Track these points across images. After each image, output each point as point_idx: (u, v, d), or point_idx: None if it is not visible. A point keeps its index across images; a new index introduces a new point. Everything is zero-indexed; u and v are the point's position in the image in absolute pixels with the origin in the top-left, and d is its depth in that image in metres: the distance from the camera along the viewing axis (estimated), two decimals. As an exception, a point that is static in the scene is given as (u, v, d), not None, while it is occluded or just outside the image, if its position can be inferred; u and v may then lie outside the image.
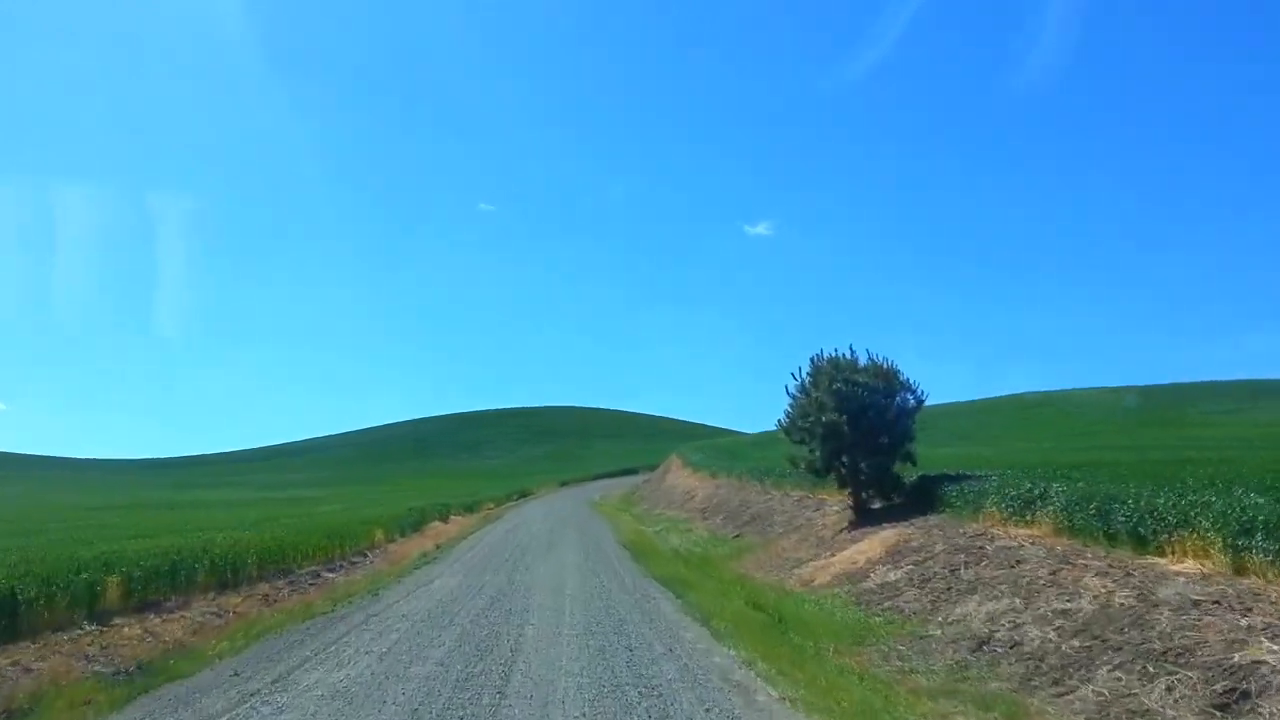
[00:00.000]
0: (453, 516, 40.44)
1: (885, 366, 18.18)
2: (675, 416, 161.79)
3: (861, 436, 17.72)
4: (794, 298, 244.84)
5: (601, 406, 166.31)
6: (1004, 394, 68.30)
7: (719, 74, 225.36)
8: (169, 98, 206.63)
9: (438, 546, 24.95)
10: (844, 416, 17.33)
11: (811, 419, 17.93)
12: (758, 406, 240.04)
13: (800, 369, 18.81)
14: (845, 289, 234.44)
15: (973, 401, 70.81)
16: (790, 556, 17.59)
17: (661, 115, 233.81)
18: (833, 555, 15.68)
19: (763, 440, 66.70)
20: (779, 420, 18.98)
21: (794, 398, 18.80)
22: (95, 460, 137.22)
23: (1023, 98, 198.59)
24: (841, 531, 17.67)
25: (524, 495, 66.91)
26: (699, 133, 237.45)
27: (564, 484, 79.71)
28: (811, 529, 19.41)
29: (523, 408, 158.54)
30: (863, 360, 18.41)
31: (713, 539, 24.50)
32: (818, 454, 17.98)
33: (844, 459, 18.16)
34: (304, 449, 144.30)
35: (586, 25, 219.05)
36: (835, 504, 20.68)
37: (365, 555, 22.24)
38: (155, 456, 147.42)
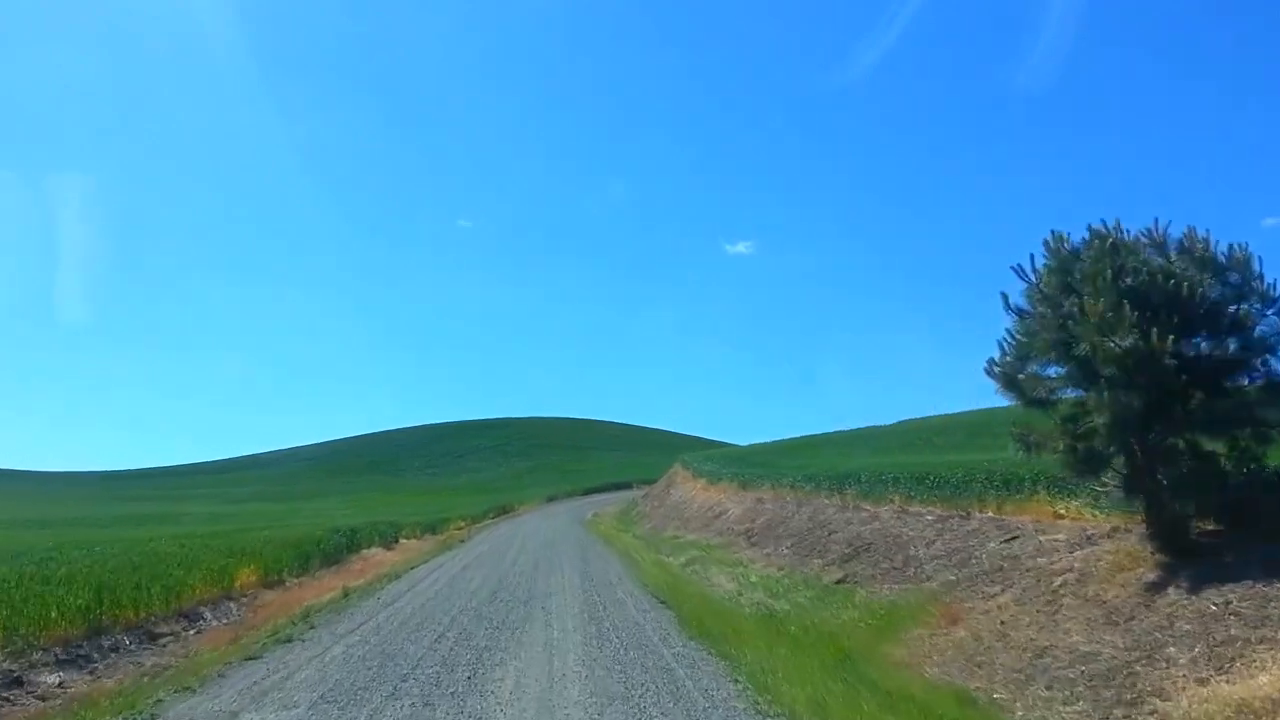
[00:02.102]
0: (404, 540, 30.66)
1: (1224, 253, 8.77)
2: (664, 428, 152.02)
3: (1188, 384, 8.30)
4: (775, 315, 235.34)
5: (589, 418, 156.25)
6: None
7: (696, 89, 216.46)
8: (153, 101, 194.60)
9: (346, 594, 15.25)
10: (1168, 340, 7.89)
11: (1082, 350, 8.47)
12: (746, 419, 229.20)
13: (1032, 258, 9.38)
14: (828, 305, 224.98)
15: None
16: (1057, 648, 8.03)
17: (642, 130, 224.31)
18: (1245, 671, 6.17)
19: (779, 449, 57.04)
20: (989, 361, 9.47)
21: (1020, 315, 9.35)
22: (34, 473, 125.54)
23: (1014, 108, 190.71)
24: (1158, 591, 8.17)
25: (504, 512, 57.08)
26: (678, 149, 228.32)
27: (551, 499, 69.92)
28: (1043, 579, 9.86)
29: (505, 418, 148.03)
30: (1170, 239, 9.00)
31: (796, 583, 14.91)
32: (1101, 420, 8.46)
33: (1136, 433, 8.68)
34: (266, 461, 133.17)
35: (565, 46, 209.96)
36: (1055, 527, 11.24)
37: (201, 616, 12.57)
38: (121, 469, 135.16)
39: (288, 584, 16.52)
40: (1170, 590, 8.08)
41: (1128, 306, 8.21)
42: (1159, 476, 8.89)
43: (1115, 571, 9.06)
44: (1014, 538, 11.78)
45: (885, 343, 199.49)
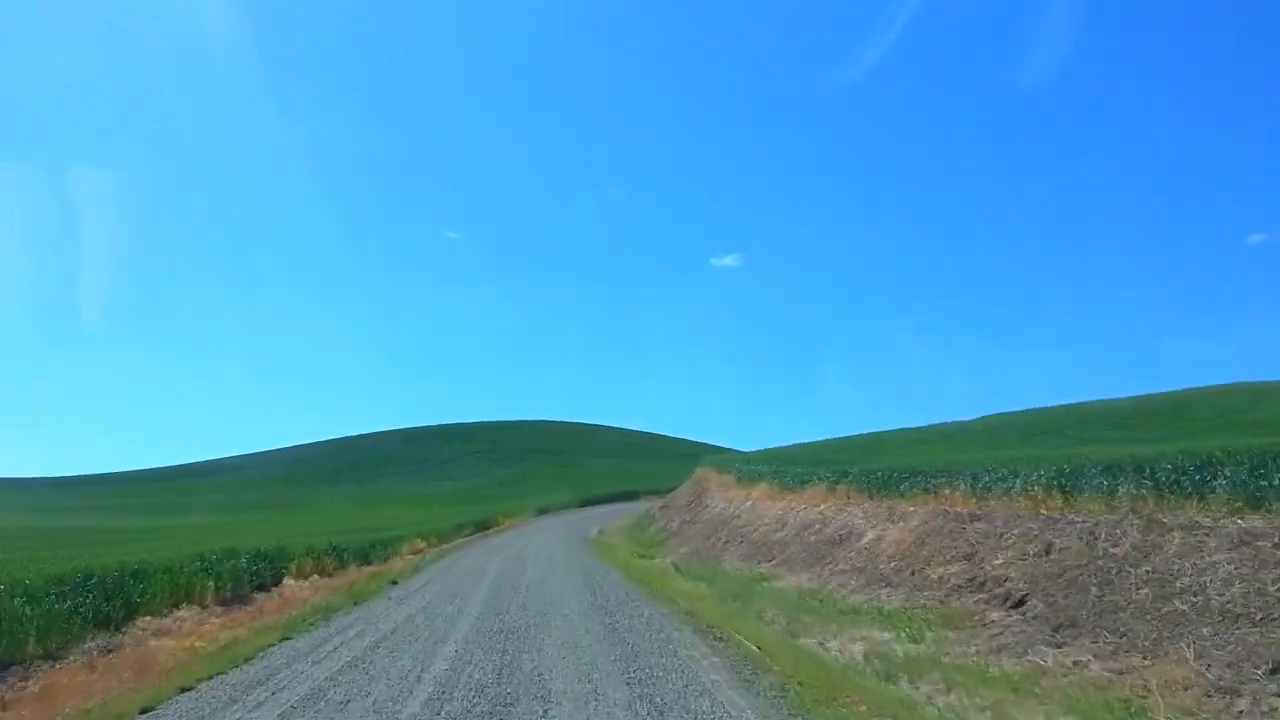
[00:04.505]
0: (292, 582, 17.71)
1: None
2: (665, 433, 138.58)
3: None
4: (766, 322, 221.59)
5: (584, 421, 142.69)
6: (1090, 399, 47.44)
7: (684, 99, 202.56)
8: (151, 100, 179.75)
9: None
10: None
11: None
12: (745, 426, 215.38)
13: None
14: (820, 310, 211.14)
15: (1070, 405, 48.75)
16: None
17: (627, 142, 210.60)
18: None
19: (831, 448, 43.94)
20: None
21: None
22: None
23: (1010, 117, 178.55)
24: None
25: (484, 527, 43.93)
26: (664, 161, 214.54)
27: (542, 511, 57.04)
28: None
29: (492, 421, 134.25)
30: None
31: None
32: None
33: None
34: (225, 467, 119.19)
35: (554, 58, 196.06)
36: None
37: None
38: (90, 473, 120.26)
39: None
40: None
41: None
42: None
43: None
44: None
45: (883, 347, 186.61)
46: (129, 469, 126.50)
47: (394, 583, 18.10)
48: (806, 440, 54.06)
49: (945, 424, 49.70)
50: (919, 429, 48.39)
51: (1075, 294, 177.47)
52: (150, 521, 50.12)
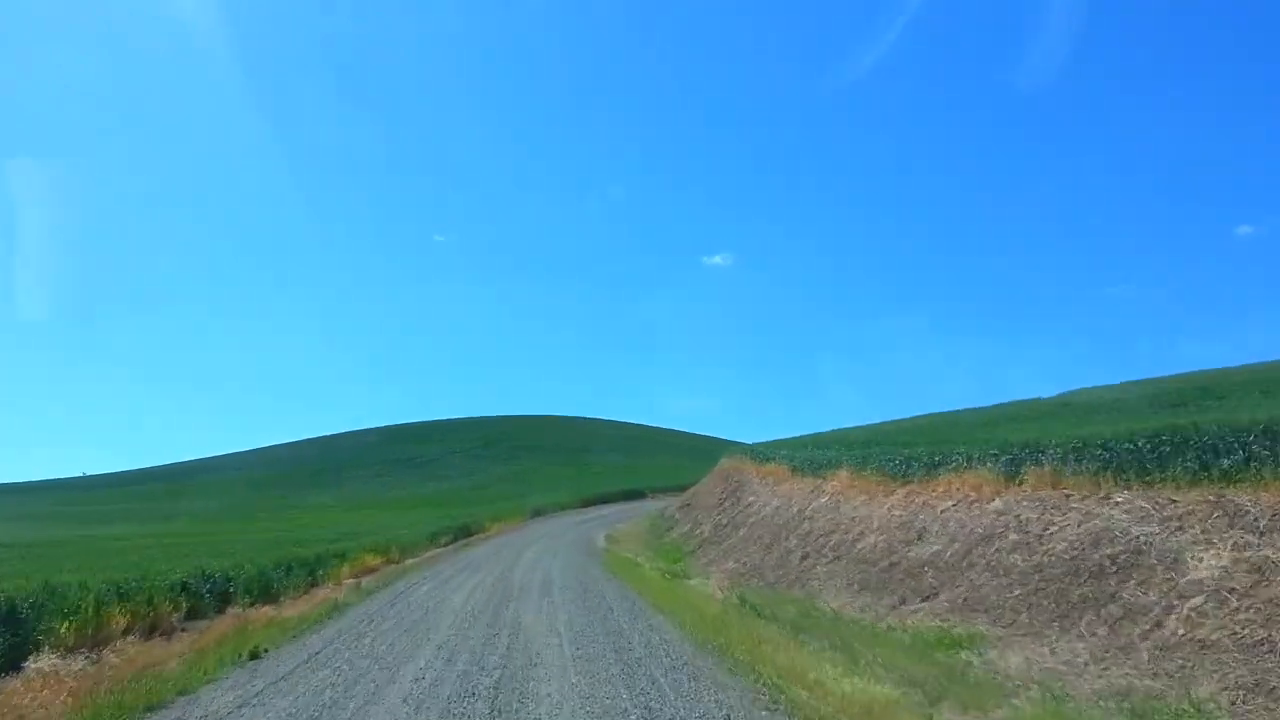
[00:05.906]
0: (52, 661, 9.14)
1: None
2: (666, 426, 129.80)
3: None
4: (757, 319, 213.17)
5: (583, 415, 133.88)
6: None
7: (678, 99, 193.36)
8: (139, 98, 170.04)
9: None
10: None
11: None
12: (740, 420, 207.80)
13: None
14: (812, 307, 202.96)
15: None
16: None
17: (624, 141, 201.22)
18: None
19: (882, 432, 35.36)
20: None
21: None
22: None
23: (1008, 117, 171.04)
24: None
25: (466, 534, 35.49)
26: (660, 161, 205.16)
27: (537, 513, 48.62)
28: None
29: (481, 417, 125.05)
30: None
31: None
32: None
33: None
34: (201, 469, 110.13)
35: (543, 59, 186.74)
36: None
37: None
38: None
39: None
40: None
41: None
42: None
43: None
44: None
45: (883, 346, 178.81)
46: (103, 472, 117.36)
47: (254, 656, 9.61)
48: (823, 430, 45.70)
49: (1012, 403, 41.14)
50: (980, 409, 39.89)
51: (1069, 292, 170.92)
52: (77, 532, 41.81)
